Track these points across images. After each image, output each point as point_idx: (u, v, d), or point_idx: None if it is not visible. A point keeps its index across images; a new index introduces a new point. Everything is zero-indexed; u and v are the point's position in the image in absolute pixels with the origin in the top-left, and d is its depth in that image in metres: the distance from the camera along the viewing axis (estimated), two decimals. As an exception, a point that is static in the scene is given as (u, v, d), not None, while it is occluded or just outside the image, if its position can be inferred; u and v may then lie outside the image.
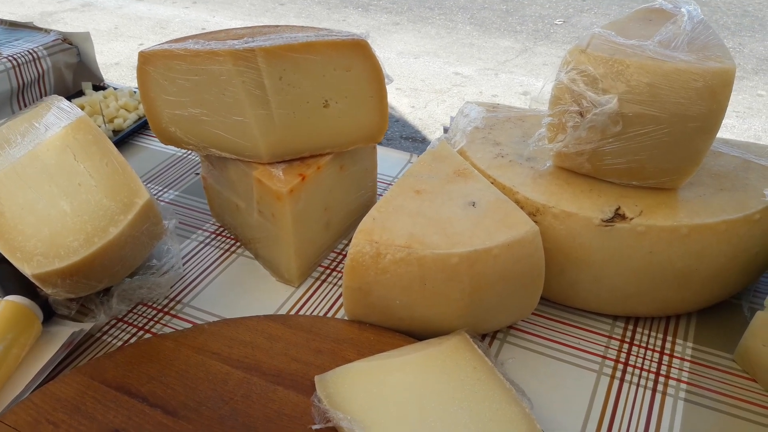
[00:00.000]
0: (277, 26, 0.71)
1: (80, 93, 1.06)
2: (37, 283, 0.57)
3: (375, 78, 0.67)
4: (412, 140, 2.50)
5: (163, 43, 0.67)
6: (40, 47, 1.01)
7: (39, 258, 0.56)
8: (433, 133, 2.56)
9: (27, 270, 0.55)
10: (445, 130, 0.83)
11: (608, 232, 0.59)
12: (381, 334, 0.61)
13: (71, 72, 1.07)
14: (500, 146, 0.70)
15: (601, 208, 0.60)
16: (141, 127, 1.00)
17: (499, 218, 0.59)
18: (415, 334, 0.61)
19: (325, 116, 0.67)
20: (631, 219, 0.59)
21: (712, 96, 0.54)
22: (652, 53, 0.55)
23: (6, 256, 0.57)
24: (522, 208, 0.61)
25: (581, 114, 0.58)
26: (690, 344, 0.63)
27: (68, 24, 3.60)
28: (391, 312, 0.60)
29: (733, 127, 2.48)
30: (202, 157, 0.76)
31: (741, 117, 2.56)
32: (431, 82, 2.95)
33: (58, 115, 0.65)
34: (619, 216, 0.59)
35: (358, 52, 0.65)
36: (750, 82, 2.84)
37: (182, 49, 0.64)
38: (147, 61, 0.66)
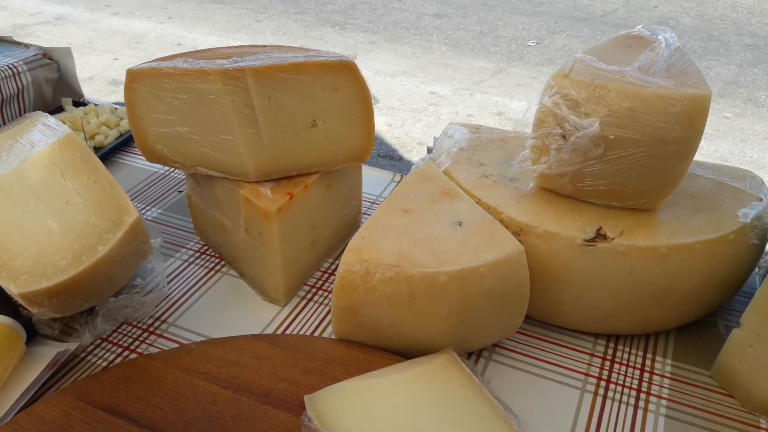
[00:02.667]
0: (265, 46, 0.72)
1: (60, 109, 1.05)
2: (23, 303, 0.56)
3: (362, 99, 0.68)
4: (390, 158, 2.52)
5: (151, 61, 0.67)
6: (20, 62, 1.00)
7: (26, 277, 0.55)
8: (410, 152, 2.59)
9: (13, 289, 0.54)
10: (429, 151, 0.85)
11: (590, 252, 0.61)
12: (369, 353, 0.61)
13: (51, 87, 1.06)
14: (484, 167, 0.72)
15: (583, 228, 0.62)
16: (122, 144, 0.99)
17: (485, 238, 0.60)
18: (403, 352, 0.61)
19: (313, 136, 0.68)
20: (612, 239, 0.61)
21: (690, 121, 0.56)
22: (632, 79, 0.57)
23: (-10, 275, 0.56)
24: (506, 227, 0.63)
25: (564, 137, 0.60)
26: (669, 361, 0.65)
27: (41, 37, 3.55)
28: (379, 331, 0.60)
29: (701, 149, 2.55)
30: (188, 176, 0.76)
31: (708, 138, 2.64)
32: (407, 101, 2.98)
33: (44, 132, 0.65)
34: (600, 236, 0.61)
35: (346, 73, 0.66)
36: (716, 104, 2.93)
37: (171, 68, 0.64)
38: (135, 78, 0.66)
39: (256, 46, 0.71)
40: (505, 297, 0.60)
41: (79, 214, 0.59)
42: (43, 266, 0.56)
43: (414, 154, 2.55)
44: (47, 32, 3.68)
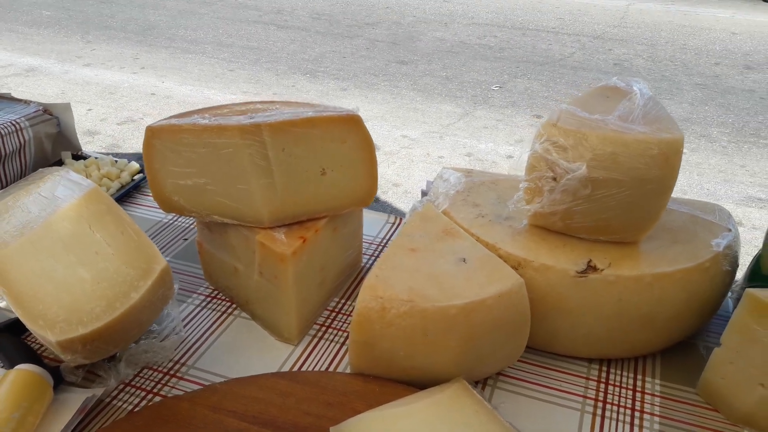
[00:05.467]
0: (273, 102, 0.77)
1: (59, 162, 1.08)
2: (57, 351, 0.59)
3: (366, 148, 0.74)
4: (366, 200, 2.57)
5: (169, 118, 0.72)
6: (22, 118, 1.03)
7: (62, 325, 0.58)
8: (386, 193, 2.65)
9: (50, 337, 0.57)
10: (424, 194, 0.90)
11: (582, 283, 0.67)
12: (384, 385, 0.65)
13: (51, 142, 1.09)
14: (479, 207, 0.78)
15: (575, 261, 0.68)
16: (125, 195, 1.03)
17: (488, 272, 0.65)
18: (416, 382, 0.65)
19: (322, 183, 0.73)
20: (602, 270, 0.67)
21: (666, 161, 0.63)
22: (613, 126, 0.64)
23: (27, 325, 0.59)
24: (505, 262, 0.68)
25: (555, 179, 0.66)
26: (658, 381, 0.71)
27: (13, 89, 3.53)
28: (394, 363, 0.65)
29: (662, 183, 2.68)
30: (199, 224, 0.80)
31: (668, 173, 2.77)
32: (381, 144, 3.06)
33: (68, 187, 0.69)
34: (591, 268, 0.67)
35: (352, 125, 0.72)
36: (673, 141, 3.07)
37: (191, 124, 0.69)
38: (154, 135, 0.70)
39: (264, 102, 0.77)
40: (509, 326, 0.65)
41: (110, 263, 0.62)
42: (78, 314, 0.59)
43: (390, 195, 2.62)
44: (19, 84, 3.69)
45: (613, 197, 0.65)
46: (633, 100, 0.67)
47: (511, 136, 3.19)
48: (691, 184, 2.71)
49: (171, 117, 0.73)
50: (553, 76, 4.08)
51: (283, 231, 0.72)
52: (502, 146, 3.08)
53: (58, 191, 0.68)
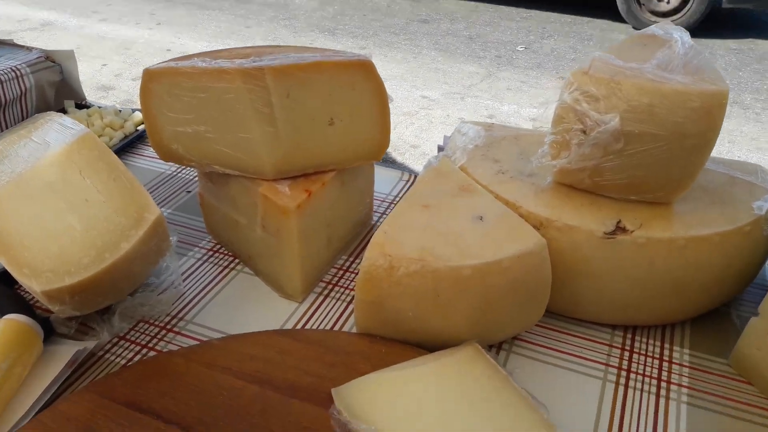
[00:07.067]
0: (280, 46, 0.72)
1: (62, 111, 1.05)
2: (44, 301, 0.56)
3: (378, 97, 0.68)
4: (383, 161, 2.52)
5: (168, 61, 0.67)
6: (23, 65, 0.99)
7: (48, 275, 0.54)
8: (403, 155, 2.60)
9: (36, 287, 0.54)
10: (440, 149, 0.85)
11: (610, 245, 0.62)
12: (392, 346, 0.61)
13: (53, 90, 1.05)
14: (500, 163, 0.72)
15: (603, 221, 0.63)
16: (127, 146, 0.99)
17: (506, 231, 0.61)
18: (426, 345, 0.61)
19: (330, 133, 0.68)
20: (632, 231, 0.61)
21: (708, 115, 0.57)
22: (650, 75, 0.58)
23: (12, 273, 0.55)
24: (526, 221, 0.63)
25: (584, 132, 0.60)
26: (687, 350, 0.66)
27: (28, 44, 3.52)
28: (403, 324, 0.60)
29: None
30: (201, 174, 0.76)
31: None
32: (399, 105, 2.99)
33: (60, 132, 0.64)
34: (620, 229, 0.62)
35: (363, 71, 0.66)
36: None
37: (189, 67, 0.64)
38: (152, 78, 0.66)
39: (271, 46, 0.71)
40: (528, 290, 0.60)
41: (100, 211, 0.58)
42: (65, 264, 0.55)
43: (407, 156, 2.56)
44: (34, 39, 3.65)
45: (648, 152, 0.59)
46: (673, 48, 0.61)
47: (535, 98, 3.09)
48: (721, 152, 2.61)
49: (170, 60, 0.68)
50: (582, 38, 3.94)
51: (288, 183, 0.67)
52: (526, 108, 2.99)
53: (49, 136, 0.64)
